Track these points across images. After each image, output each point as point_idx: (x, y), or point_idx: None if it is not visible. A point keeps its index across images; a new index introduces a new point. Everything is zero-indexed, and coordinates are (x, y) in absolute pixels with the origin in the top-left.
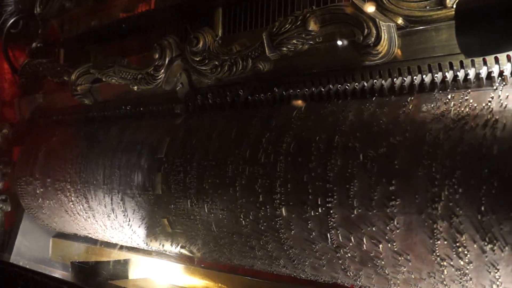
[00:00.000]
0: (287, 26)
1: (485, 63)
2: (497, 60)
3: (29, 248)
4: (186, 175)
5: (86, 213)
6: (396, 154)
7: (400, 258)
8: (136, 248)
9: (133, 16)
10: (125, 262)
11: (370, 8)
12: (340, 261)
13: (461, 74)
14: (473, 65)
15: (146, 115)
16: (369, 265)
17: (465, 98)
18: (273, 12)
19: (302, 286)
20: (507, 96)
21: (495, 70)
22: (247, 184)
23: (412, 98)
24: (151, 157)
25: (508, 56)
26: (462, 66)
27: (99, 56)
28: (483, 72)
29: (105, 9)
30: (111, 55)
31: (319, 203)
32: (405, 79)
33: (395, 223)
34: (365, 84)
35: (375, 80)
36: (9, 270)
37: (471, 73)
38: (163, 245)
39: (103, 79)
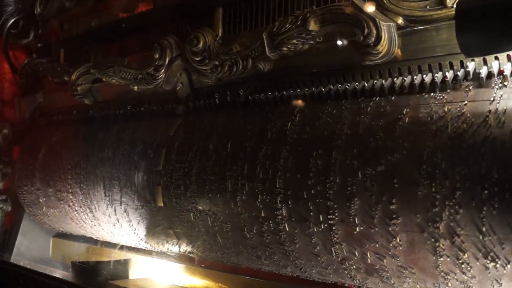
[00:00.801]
0: (287, 26)
1: (485, 62)
2: (497, 60)
3: (29, 248)
4: (187, 190)
5: (92, 221)
6: (395, 172)
7: (404, 271)
8: (137, 248)
9: (133, 16)
10: (126, 262)
11: (370, 8)
12: (346, 271)
13: (461, 73)
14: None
15: (146, 115)
16: (375, 275)
17: (462, 111)
18: (273, 12)
19: (303, 285)
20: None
21: (495, 70)
22: (248, 200)
23: (408, 110)
24: (148, 170)
25: (508, 56)
26: (462, 65)
27: (99, 56)
28: (483, 71)
29: (105, 9)
30: (111, 55)
31: (321, 219)
32: (405, 78)
33: (398, 240)
34: (365, 84)
35: (375, 80)
36: (9, 270)
37: (471, 72)
38: (171, 251)
39: (103, 79)
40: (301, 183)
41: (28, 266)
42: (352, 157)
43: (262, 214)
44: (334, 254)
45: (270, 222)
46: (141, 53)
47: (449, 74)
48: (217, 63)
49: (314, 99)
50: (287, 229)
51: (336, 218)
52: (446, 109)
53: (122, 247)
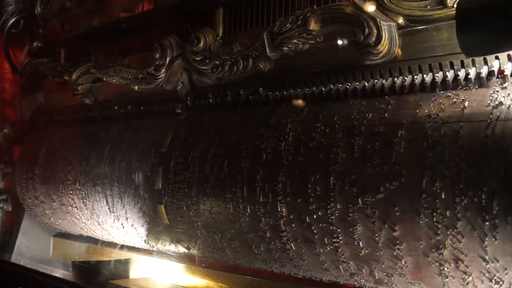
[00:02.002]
0: (288, 25)
1: (485, 62)
2: (497, 59)
3: (30, 248)
4: (190, 210)
5: (101, 232)
6: (395, 199)
7: (413, 286)
8: (137, 247)
9: (134, 16)
10: (126, 262)
11: (370, 8)
12: (355, 282)
13: (461, 73)
14: (473, 64)
15: (147, 115)
16: (384, 286)
17: (459, 136)
18: (274, 12)
19: (303, 285)
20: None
21: (496, 69)
22: (252, 222)
23: (403, 132)
24: (149, 189)
25: (508, 56)
26: (462, 65)
27: (99, 55)
28: (484, 71)
29: (105, 9)
30: (111, 54)
31: (325, 242)
32: (406, 78)
33: (403, 262)
34: (366, 83)
35: (375, 80)
36: (10, 270)
37: (472, 72)
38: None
39: (104, 79)
40: (302, 208)
41: (28, 266)
42: (351, 184)
43: (268, 235)
44: (342, 270)
45: (276, 241)
46: (141, 53)
47: (450, 74)
48: (217, 62)
49: (314, 99)
50: (294, 248)
51: (341, 241)
52: (442, 132)
53: (122, 247)
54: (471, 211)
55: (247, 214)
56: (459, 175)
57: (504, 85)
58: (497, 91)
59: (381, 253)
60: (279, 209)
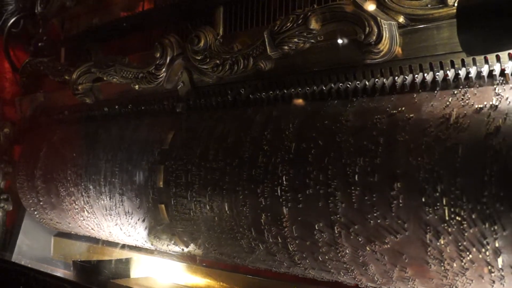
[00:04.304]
0: (288, 24)
1: (486, 61)
2: (498, 59)
3: (30, 247)
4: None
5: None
6: (403, 248)
7: None
8: (138, 246)
9: (134, 15)
10: (127, 261)
11: (371, 7)
12: None
13: (462, 72)
14: (474, 63)
15: (147, 114)
16: None
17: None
18: (274, 11)
19: (304, 284)
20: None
21: (497, 68)
22: (267, 257)
23: (399, 184)
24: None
25: (509, 54)
26: (463, 64)
27: (100, 54)
28: (485, 70)
29: (105, 8)
30: (112, 53)
31: (341, 274)
32: (406, 77)
33: None
34: (367, 83)
35: (376, 79)
36: (11, 269)
37: (473, 71)
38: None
39: (104, 78)
40: (311, 249)
41: (29, 265)
42: (356, 233)
43: (277, 258)
44: None
45: (285, 263)
46: (142, 52)
47: (450, 73)
48: (218, 62)
49: (315, 99)
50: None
51: (357, 276)
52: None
53: (123, 246)
54: (477, 263)
55: (260, 250)
56: (462, 233)
57: (505, 84)
58: (498, 90)
59: (396, 284)
60: (290, 249)
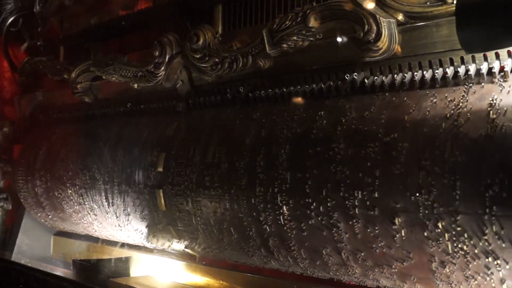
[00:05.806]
0: (287, 22)
1: (485, 58)
2: (497, 56)
3: (30, 246)
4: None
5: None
6: (410, 271)
7: None
8: (138, 245)
9: (133, 13)
10: (127, 260)
11: (370, 4)
12: None
13: (461, 69)
14: (473, 61)
15: (147, 113)
16: None
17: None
18: (273, 9)
19: (304, 283)
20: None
21: (496, 66)
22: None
23: (400, 219)
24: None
25: (509, 52)
26: (462, 61)
27: (99, 53)
28: (484, 67)
29: (104, 6)
30: (111, 52)
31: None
32: (405, 75)
33: None
34: (366, 80)
35: (375, 77)
36: (10, 268)
37: (472, 68)
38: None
39: (103, 77)
40: (324, 267)
41: (29, 264)
42: (363, 259)
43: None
44: None
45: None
46: (141, 51)
47: (450, 70)
48: (217, 60)
49: (314, 97)
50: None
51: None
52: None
53: (123, 245)
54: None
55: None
56: (465, 256)
57: (504, 81)
58: (498, 88)
59: None
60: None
